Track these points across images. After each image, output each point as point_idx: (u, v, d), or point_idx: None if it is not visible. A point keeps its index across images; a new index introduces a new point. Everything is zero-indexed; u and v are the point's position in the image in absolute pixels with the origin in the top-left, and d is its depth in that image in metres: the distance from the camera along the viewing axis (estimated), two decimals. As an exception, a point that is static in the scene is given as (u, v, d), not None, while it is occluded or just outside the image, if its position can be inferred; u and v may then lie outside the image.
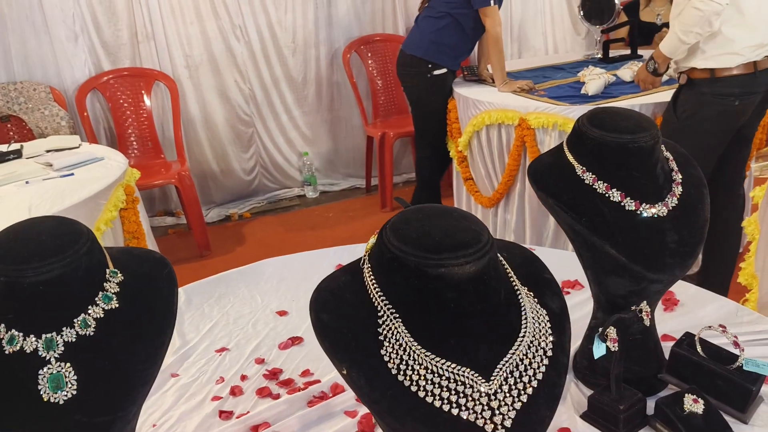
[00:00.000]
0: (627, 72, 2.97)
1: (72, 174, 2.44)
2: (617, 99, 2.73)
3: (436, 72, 3.21)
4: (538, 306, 0.80)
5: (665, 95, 2.55)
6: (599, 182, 1.05)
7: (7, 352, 0.77)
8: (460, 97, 3.16)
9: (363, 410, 1.18)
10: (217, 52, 3.87)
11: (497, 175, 3.05)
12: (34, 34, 3.48)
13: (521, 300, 0.79)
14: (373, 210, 4.02)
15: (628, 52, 3.52)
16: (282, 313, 1.53)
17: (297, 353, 1.38)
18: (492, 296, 0.75)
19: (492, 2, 3.03)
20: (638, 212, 1.05)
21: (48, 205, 2.15)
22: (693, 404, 1.04)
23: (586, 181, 1.06)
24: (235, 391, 1.26)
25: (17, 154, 2.67)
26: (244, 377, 1.31)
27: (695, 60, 2.22)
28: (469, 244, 0.74)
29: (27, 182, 2.38)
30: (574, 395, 1.17)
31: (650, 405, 1.10)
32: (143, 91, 3.72)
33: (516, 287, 0.80)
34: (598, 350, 1.04)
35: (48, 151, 2.72)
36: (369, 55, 4.14)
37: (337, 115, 4.28)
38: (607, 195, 1.05)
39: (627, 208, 1.05)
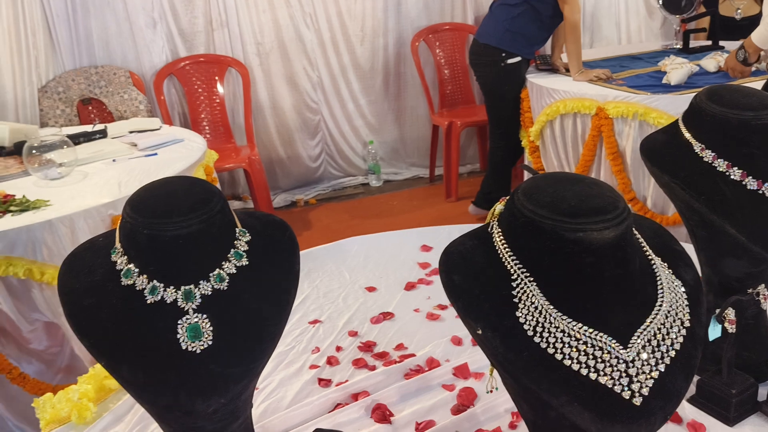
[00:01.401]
0: (711, 62, 2.87)
1: (156, 154, 2.52)
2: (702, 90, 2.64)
3: (510, 61, 3.17)
4: (674, 277, 0.79)
5: (758, 84, 2.45)
6: (719, 160, 1.02)
7: (148, 301, 0.80)
8: (534, 86, 3.12)
9: (460, 384, 1.18)
10: (287, 40, 3.93)
11: (570, 165, 3.00)
12: (115, 20, 3.60)
13: (656, 270, 0.77)
14: (438, 200, 4.01)
15: (708, 42, 3.41)
16: (371, 289, 1.55)
17: (389, 328, 1.39)
18: (629, 264, 0.74)
19: None
20: (760, 192, 1.01)
21: (137, 182, 2.22)
22: (810, 392, 1.01)
23: (705, 159, 1.03)
24: (331, 361, 1.29)
25: (102, 134, 2.77)
26: (339, 348, 1.33)
27: None
28: (607, 209, 0.73)
29: (114, 160, 2.47)
30: (679, 379, 1.15)
31: (761, 392, 1.07)
32: (216, 78, 3.81)
33: (650, 257, 0.79)
34: (714, 332, 1.01)
35: (131, 132, 2.82)
36: (437, 44, 4.13)
37: (404, 104, 4.28)
38: (727, 173, 1.02)
39: (749, 187, 1.01)
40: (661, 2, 3.50)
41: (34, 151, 2.28)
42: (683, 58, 2.98)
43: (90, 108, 3.59)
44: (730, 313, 1.00)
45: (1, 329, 2.01)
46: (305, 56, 4.01)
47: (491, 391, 0.87)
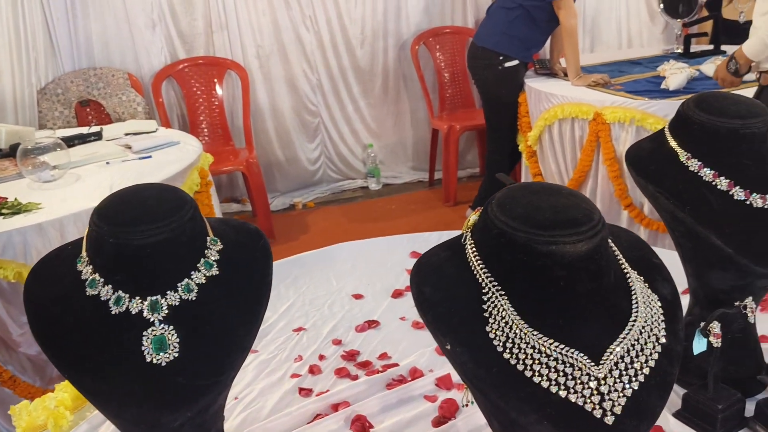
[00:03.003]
0: (711, 67, 2.84)
1: (150, 156, 2.51)
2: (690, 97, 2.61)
3: (508, 64, 3.15)
4: (649, 291, 0.77)
5: (749, 93, 2.42)
6: (705, 169, 1.00)
7: (113, 312, 0.78)
8: (532, 91, 3.09)
9: (443, 395, 1.16)
10: (287, 43, 3.92)
11: (568, 171, 2.97)
12: (115, 22, 3.60)
13: (631, 284, 0.75)
14: (436, 204, 3.99)
15: (710, 47, 3.38)
16: (358, 297, 1.53)
17: (374, 336, 1.37)
18: (602, 277, 0.72)
19: None
20: (748, 202, 0.99)
21: (129, 184, 2.20)
22: (798, 408, 0.98)
23: (691, 168, 1.01)
24: (313, 370, 1.27)
25: (98, 136, 2.77)
26: (322, 357, 1.31)
27: None
28: (581, 222, 0.71)
29: (107, 163, 2.46)
30: (665, 393, 1.12)
31: (748, 407, 1.05)
32: (216, 80, 3.80)
33: (626, 270, 0.76)
34: (699, 346, 0.99)
35: (126, 134, 2.81)
36: (437, 47, 4.11)
37: (403, 107, 4.27)
38: (714, 183, 1.00)
39: (736, 197, 0.99)
40: (662, 6, 3.48)
41: (28, 154, 2.27)
42: (683, 63, 2.95)
43: (88, 110, 3.59)
44: (715, 326, 0.97)
45: (-10, 332, 2.00)
46: (305, 59, 3.99)
47: (467, 405, 0.85)
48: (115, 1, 3.57)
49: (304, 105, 4.08)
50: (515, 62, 3.15)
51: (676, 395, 1.10)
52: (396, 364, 1.26)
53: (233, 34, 3.81)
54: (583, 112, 2.78)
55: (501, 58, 3.15)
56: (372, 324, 1.41)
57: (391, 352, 1.31)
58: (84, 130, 2.87)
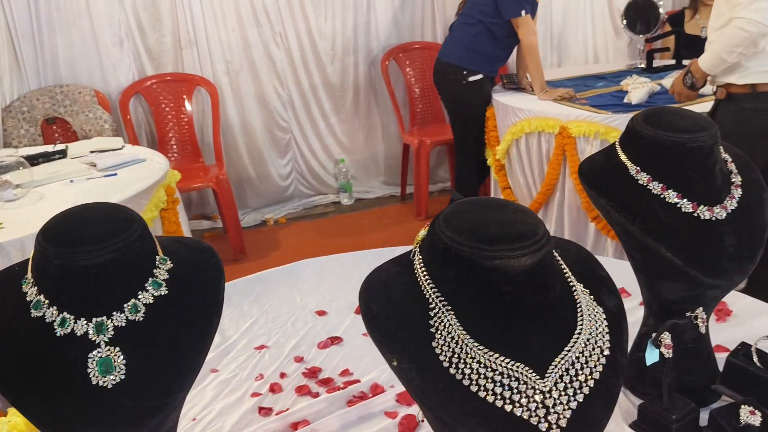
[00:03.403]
0: (672, 81, 2.90)
1: (115, 174, 2.49)
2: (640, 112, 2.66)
3: (472, 78, 3.20)
4: (595, 304, 0.78)
5: (707, 106, 2.48)
6: (654, 183, 1.02)
7: (58, 334, 0.77)
8: (499, 105, 3.13)
9: (403, 411, 1.16)
10: (257, 59, 3.92)
11: (536, 184, 3.01)
12: (81, 39, 3.57)
13: (577, 297, 0.76)
14: (408, 218, 4.00)
15: (672, 62, 3.46)
16: (321, 313, 1.52)
17: (336, 353, 1.37)
18: (548, 291, 0.73)
19: (523, 12, 3.01)
20: (695, 214, 1.01)
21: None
22: (750, 416, 1.00)
23: (640, 182, 1.03)
24: (274, 388, 1.26)
25: (62, 154, 2.73)
26: (283, 375, 1.30)
27: (735, 76, 2.14)
28: (525, 236, 0.72)
29: (71, 181, 2.43)
30: (623, 404, 1.14)
31: (703, 417, 1.06)
32: (185, 96, 3.78)
33: (571, 283, 0.77)
34: (651, 356, 1.00)
35: (92, 152, 2.77)
36: (407, 62, 4.14)
37: (375, 122, 4.29)
38: (662, 196, 1.02)
39: (683, 209, 1.01)
40: (625, 22, 3.55)
41: (-11, 173, 2.23)
42: (645, 78, 3.02)
43: (54, 128, 3.54)
44: (667, 337, 0.99)
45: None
46: (275, 75, 3.99)
47: (423, 421, 0.86)
48: (81, 18, 3.54)
49: (275, 121, 4.07)
50: (479, 76, 3.19)
51: (633, 406, 1.11)
52: (357, 381, 1.26)
53: (202, 50, 3.80)
54: (550, 126, 2.82)
55: (465, 72, 3.19)
56: (335, 340, 1.41)
57: (353, 368, 1.31)
58: (49, 148, 2.84)
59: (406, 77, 4.14)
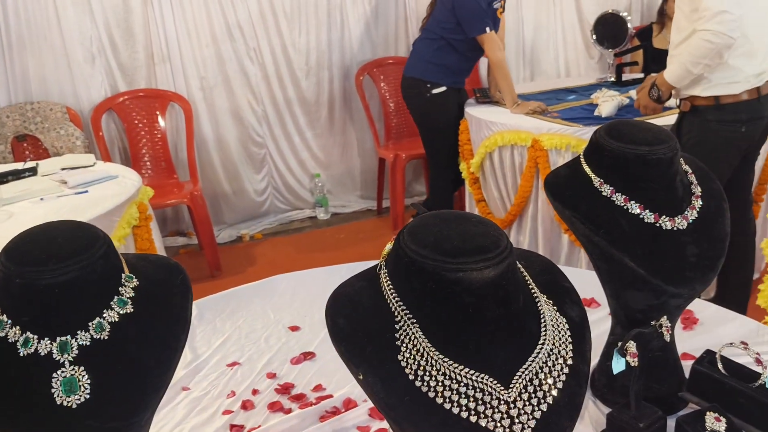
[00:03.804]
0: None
1: (86, 191, 2.46)
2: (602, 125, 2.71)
3: (435, 91, 3.24)
4: (558, 314, 0.79)
5: (672, 119, 2.53)
6: (617, 194, 1.04)
7: (21, 354, 0.76)
8: (473, 119, 3.17)
9: (376, 425, 1.16)
10: (231, 74, 3.91)
11: (510, 196, 3.04)
12: (52, 55, 3.54)
13: (540, 307, 0.77)
14: (384, 232, 4.01)
15: (641, 75, 3.53)
16: (294, 329, 1.52)
17: (309, 368, 1.36)
18: (511, 302, 0.74)
19: (488, 29, 3.06)
20: (657, 225, 1.03)
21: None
22: (715, 422, 1.02)
23: (604, 193, 1.05)
24: (246, 405, 1.25)
25: (32, 171, 2.70)
26: (255, 391, 1.29)
27: (698, 88, 2.17)
28: (488, 248, 0.73)
29: (42, 199, 2.39)
30: (593, 413, 1.15)
31: (670, 424, 1.08)
32: (158, 112, 3.76)
33: (535, 295, 0.79)
34: (618, 365, 1.02)
35: (63, 169, 2.74)
36: (381, 77, 4.17)
37: (350, 137, 4.30)
38: (625, 207, 1.04)
39: (646, 220, 1.03)
40: (595, 37, 3.62)
41: (-44, 191, 2.20)
42: (614, 91, 3.07)
43: (25, 145, 3.50)
44: (632, 346, 1.00)
45: None
46: (250, 90, 3.99)
47: (393, 435, 0.86)
48: (52, 34, 3.51)
49: (249, 136, 4.07)
50: (443, 88, 3.23)
51: (603, 415, 1.13)
52: (330, 396, 1.26)
53: (176, 66, 3.79)
54: (522, 139, 2.85)
55: (428, 85, 3.24)
56: (308, 356, 1.40)
57: (326, 383, 1.30)
58: (19, 165, 2.80)
59: (380, 92, 4.17)
